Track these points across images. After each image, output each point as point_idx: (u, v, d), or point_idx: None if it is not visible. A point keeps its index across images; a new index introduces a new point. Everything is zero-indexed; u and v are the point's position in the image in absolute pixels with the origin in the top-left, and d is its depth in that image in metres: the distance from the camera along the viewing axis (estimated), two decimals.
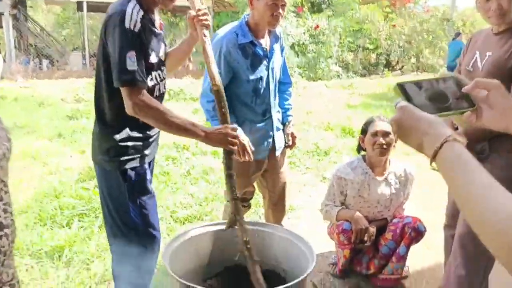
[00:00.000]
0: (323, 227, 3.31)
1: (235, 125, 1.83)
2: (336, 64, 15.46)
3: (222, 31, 2.46)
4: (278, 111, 2.67)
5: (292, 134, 2.73)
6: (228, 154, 1.82)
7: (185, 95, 8.64)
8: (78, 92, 8.91)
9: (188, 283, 1.58)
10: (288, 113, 2.76)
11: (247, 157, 2.41)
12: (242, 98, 2.48)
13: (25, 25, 15.87)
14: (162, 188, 3.89)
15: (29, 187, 3.99)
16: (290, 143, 2.73)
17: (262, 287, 1.81)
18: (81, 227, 3.23)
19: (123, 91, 1.69)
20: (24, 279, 2.61)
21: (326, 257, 2.99)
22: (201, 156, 4.64)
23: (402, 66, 17.80)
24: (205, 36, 1.87)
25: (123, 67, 1.65)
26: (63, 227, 3.22)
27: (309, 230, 3.42)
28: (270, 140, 2.60)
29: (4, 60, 11.95)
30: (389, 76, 15.85)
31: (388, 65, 17.64)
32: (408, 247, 2.55)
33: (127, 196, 1.92)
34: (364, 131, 2.64)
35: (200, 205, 3.62)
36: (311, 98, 9.56)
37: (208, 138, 1.77)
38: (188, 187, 3.91)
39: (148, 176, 2.01)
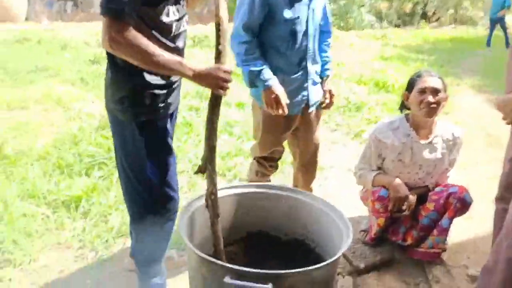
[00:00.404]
0: (353, 189, 3.09)
1: (228, 67, 1.58)
2: (369, 13, 14.63)
3: None
4: (317, 62, 2.38)
5: (330, 91, 2.45)
6: (215, 98, 1.60)
7: (210, 41, 8.27)
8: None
9: (203, 255, 1.40)
10: (327, 66, 2.47)
11: (280, 111, 2.17)
12: (277, 43, 2.21)
13: None
14: (185, 139, 3.70)
15: (49, 132, 3.87)
16: (328, 101, 2.46)
17: (219, 240, 1.68)
18: (100, 177, 3.10)
19: (104, 21, 1.46)
20: (39, 229, 2.51)
21: (358, 222, 2.79)
22: (225, 108, 4.40)
23: (439, 18, 16.77)
24: None
25: None
26: (82, 176, 3.10)
27: (338, 191, 3.21)
28: (305, 93, 2.33)
29: (29, 2, 11.69)
30: (425, 27, 14.97)
31: (424, 16, 16.64)
32: (451, 220, 2.31)
33: (143, 151, 1.73)
34: (409, 87, 2.34)
35: (223, 159, 3.43)
36: (342, 49, 9.07)
37: (197, 78, 1.56)
38: None
39: (169, 130, 1.80)
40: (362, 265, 2.35)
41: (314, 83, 2.37)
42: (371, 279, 2.32)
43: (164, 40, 1.64)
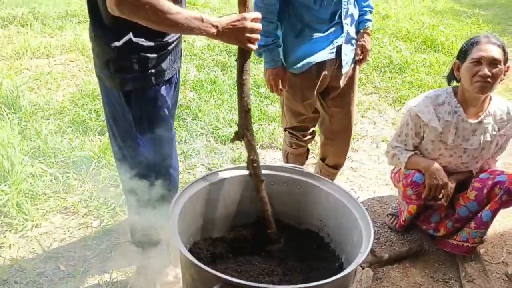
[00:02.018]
0: (386, 164, 2.81)
1: (255, 14, 1.32)
2: None
3: None
4: (352, 14, 2.03)
5: (364, 46, 2.10)
6: (243, 55, 1.38)
7: None
8: None
9: (191, 258, 1.20)
10: (366, 17, 2.11)
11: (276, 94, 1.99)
12: None
13: None
14: (207, 99, 3.47)
15: (69, 85, 3.73)
16: (360, 57, 2.13)
17: (266, 204, 1.58)
18: None
19: None
20: (47, 191, 2.41)
21: (385, 204, 2.53)
22: (254, 64, 4.09)
23: None
24: None
25: None
26: (95, 135, 2.95)
27: (367, 166, 2.93)
28: (335, 51, 2.00)
29: None
30: None
31: None
32: (495, 213, 1.99)
33: (133, 124, 1.51)
34: (462, 55, 1.96)
35: None
36: (387, 0, 8.34)
37: (221, 35, 1.30)
38: (235, 101, 3.45)
39: (162, 101, 1.55)
40: (386, 255, 2.12)
41: (349, 41, 2.04)
42: (395, 271, 2.09)
43: None
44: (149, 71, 1.44)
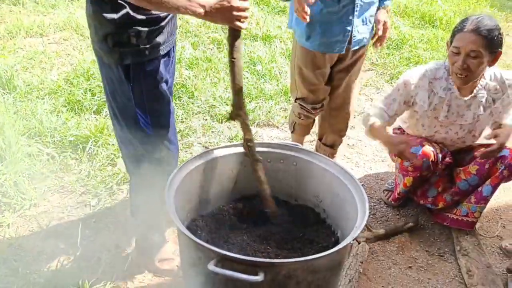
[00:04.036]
0: None
1: None
2: None
3: None
4: None
5: (384, 23, 2.06)
6: (233, 34, 1.39)
7: None
8: None
9: (187, 233, 1.21)
10: None
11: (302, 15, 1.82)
12: None
13: None
14: (203, 77, 3.44)
15: (64, 64, 3.69)
16: (380, 33, 2.07)
17: (263, 183, 1.59)
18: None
19: None
20: (44, 171, 2.41)
21: (382, 180, 2.54)
22: (250, 42, 4.03)
23: None
24: None
25: None
26: (91, 114, 2.94)
27: (364, 143, 2.93)
28: (349, 29, 1.98)
29: None
30: None
31: None
32: (495, 188, 2.01)
33: (132, 100, 1.51)
34: (451, 38, 1.92)
35: None
36: None
37: (209, 15, 1.32)
38: None
39: (161, 74, 1.55)
40: (382, 231, 2.14)
41: (361, 18, 2.01)
42: (391, 246, 2.11)
43: None
44: (148, 45, 1.44)
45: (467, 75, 1.85)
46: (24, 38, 4.17)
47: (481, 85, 1.99)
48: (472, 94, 1.99)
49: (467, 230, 2.13)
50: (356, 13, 1.97)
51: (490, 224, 2.27)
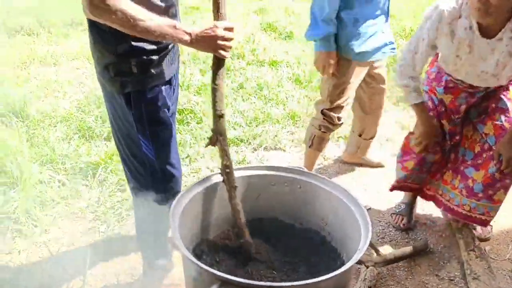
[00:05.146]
0: (390, 161, 2.82)
1: (230, 23, 1.39)
2: None
3: None
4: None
5: None
6: (217, 62, 1.44)
7: None
8: None
9: (189, 256, 1.22)
10: None
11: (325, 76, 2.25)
12: None
13: None
14: (203, 101, 3.49)
15: (76, 92, 3.79)
16: None
17: (239, 212, 1.57)
18: None
19: None
20: (55, 197, 2.45)
21: (389, 202, 2.53)
22: (257, 67, 4.11)
23: None
24: None
25: None
26: (102, 140, 3.00)
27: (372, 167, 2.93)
28: (383, 36, 2.27)
29: None
30: None
31: None
32: (486, 189, 1.99)
33: (134, 126, 1.56)
34: None
35: (249, 125, 3.21)
36: None
37: (195, 42, 1.37)
38: (239, 104, 3.48)
39: (162, 102, 1.59)
40: (390, 254, 2.12)
41: (388, 25, 2.32)
42: (400, 270, 2.09)
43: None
44: (148, 73, 1.49)
45: (486, 5, 1.64)
46: (38, 67, 4.30)
47: (508, 27, 1.73)
48: (497, 37, 1.76)
49: (477, 253, 2.10)
50: (388, 22, 2.28)
51: (500, 247, 2.23)
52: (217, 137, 1.49)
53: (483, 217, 2.07)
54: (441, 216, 2.42)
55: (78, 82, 4.03)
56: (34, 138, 2.95)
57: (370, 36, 2.20)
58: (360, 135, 2.75)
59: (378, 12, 2.19)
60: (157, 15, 1.34)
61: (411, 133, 2.18)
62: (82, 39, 5.19)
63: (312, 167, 2.61)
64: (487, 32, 1.76)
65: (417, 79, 1.98)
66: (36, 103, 3.42)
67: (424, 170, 2.17)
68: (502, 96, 2.00)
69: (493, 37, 1.76)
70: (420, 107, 2.02)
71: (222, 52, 1.40)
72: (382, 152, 3.06)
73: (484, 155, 2.01)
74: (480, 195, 2.01)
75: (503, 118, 1.97)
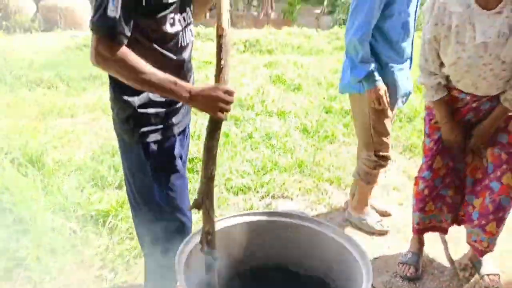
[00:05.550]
0: (397, 211, 2.84)
1: (230, 87, 1.41)
2: None
3: None
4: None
5: None
6: (214, 123, 1.41)
7: (261, 46, 8.14)
8: None
9: None
10: None
11: (381, 106, 2.32)
12: (390, 34, 2.27)
13: None
14: (220, 151, 3.59)
15: (91, 142, 3.93)
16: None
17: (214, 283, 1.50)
18: None
19: (93, 37, 1.35)
20: (65, 245, 2.50)
21: (398, 251, 2.52)
22: (266, 117, 4.24)
23: None
24: None
25: (102, 13, 1.30)
26: (114, 189, 3.08)
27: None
28: (408, 82, 2.46)
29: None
30: None
31: None
32: (482, 216, 2.06)
33: (150, 175, 1.63)
34: None
35: (257, 174, 3.28)
36: None
37: (194, 100, 1.39)
38: (247, 152, 3.57)
39: (177, 151, 1.68)
40: None
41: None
42: None
43: (166, 52, 1.52)
44: (167, 124, 1.58)
45: None
46: (56, 119, 4.48)
47: (509, 1, 1.80)
48: (497, 9, 1.80)
49: None
50: (411, 69, 2.48)
51: None
52: (203, 200, 1.41)
53: (476, 244, 2.12)
54: (449, 265, 2.40)
55: (93, 132, 4.19)
56: (49, 186, 3.04)
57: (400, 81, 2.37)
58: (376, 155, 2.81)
59: (404, 57, 2.37)
60: (168, 69, 1.42)
61: (418, 177, 2.24)
62: (99, 92, 5.43)
63: (367, 201, 2.73)
64: (485, 5, 1.82)
65: (437, 76, 2.03)
66: (52, 153, 3.55)
67: (442, 208, 2.21)
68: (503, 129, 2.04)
69: (492, 9, 1.82)
70: (438, 104, 2.06)
71: (219, 114, 1.39)
72: (388, 200, 3.08)
73: (483, 183, 2.05)
74: (476, 222, 2.07)
75: (501, 149, 2.03)
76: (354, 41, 2.21)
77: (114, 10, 1.30)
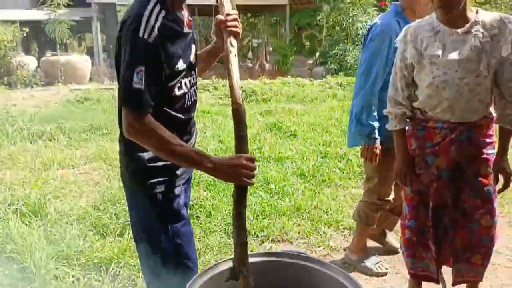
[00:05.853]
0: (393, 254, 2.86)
1: (251, 155, 1.48)
2: None
3: (385, 21, 2.43)
4: None
5: None
6: (240, 189, 1.43)
7: (257, 96, 8.42)
8: None
9: None
10: None
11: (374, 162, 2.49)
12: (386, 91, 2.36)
13: (113, 29, 16.76)
14: (220, 197, 3.67)
15: (92, 191, 4.00)
16: None
17: None
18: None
19: (123, 111, 1.47)
20: None
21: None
22: (264, 163, 4.36)
23: None
24: (231, 45, 1.55)
25: (128, 86, 1.42)
26: (116, 236, 3.12)
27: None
28: None
29: (93, 64, 12.64)
30: None
31: None
32: (465, 249, 2.09)
33: (156, 223, 1.69)
34: None
35: (256, 218, 3.34)
36: None
37: (217, 170, 1.44)
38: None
39: (182, 200, 1.76)
40: None
41: None
42: None
43: (174, 113, 1.62)
44: (174, 175, 1.66)
45: (451, 4, 1.89)
46: (57, 169, 4.57)
47: (475, 21, 1.93)
48: (465, 29, 1.93)
49: None
50: None
51: None
52: (240, 269, 1.38)
53: (464, 279, 2.15)
54: None
55: (94, 182, 4.27)
56: (52, 235, 3.08)
57: None
58: (391, 211, 2.86)
59: None
60: (175, 127, 1.53)
61: (403, 225, 2.22)
62: (100, 143, 5.55)
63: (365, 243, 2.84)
64: (454, 25, 1.95)
65: (402, 107, 2.11)
66: (54, 203, 3.61)
67: (431, 259, 2.18)
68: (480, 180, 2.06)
69: (461, 28, 1.94)
70: (399, 133, 2.15)
71: (245, 180, 1.41)
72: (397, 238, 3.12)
73: (464, 223, 2.08)
74: (460, 258, 2.10)
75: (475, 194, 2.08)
76: (361, 104, 2.42)
77: (138, 83, 1.41)
